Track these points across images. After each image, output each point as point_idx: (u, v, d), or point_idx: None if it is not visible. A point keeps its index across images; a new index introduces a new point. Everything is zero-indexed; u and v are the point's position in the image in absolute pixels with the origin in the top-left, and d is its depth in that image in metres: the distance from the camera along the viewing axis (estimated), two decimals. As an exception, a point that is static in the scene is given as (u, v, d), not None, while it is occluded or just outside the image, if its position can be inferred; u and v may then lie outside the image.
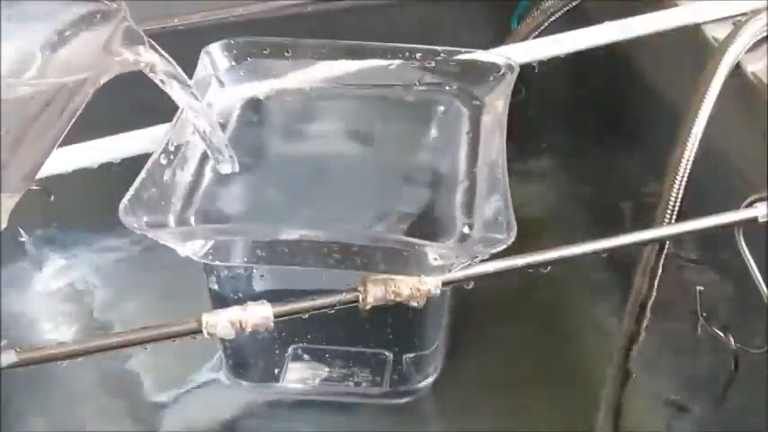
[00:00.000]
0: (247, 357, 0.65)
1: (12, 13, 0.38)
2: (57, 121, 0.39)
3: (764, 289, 0.50)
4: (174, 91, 0.45)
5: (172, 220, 0.46)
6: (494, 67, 0.55)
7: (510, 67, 0.55)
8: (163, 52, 0.43)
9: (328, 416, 0.64)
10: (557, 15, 0.73)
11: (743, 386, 0.58)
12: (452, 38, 0.58)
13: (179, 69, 0.45)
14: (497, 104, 0.53)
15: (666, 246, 0.58)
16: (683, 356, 0.63)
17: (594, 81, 0.79)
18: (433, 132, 0.54)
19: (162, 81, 0.44)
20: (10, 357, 0.42)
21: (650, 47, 0.69)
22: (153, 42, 0.43)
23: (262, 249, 0.45)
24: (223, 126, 0.53)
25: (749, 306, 0.53)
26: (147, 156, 0.48)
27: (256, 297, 0.44)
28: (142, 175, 0.46)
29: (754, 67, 0.59)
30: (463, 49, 0.56)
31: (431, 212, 0.48)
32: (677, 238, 0.56)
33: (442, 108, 0.55)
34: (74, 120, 0.40)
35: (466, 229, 0.46)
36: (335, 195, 0.50)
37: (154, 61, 0.43)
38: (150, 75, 0.43)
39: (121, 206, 0.43)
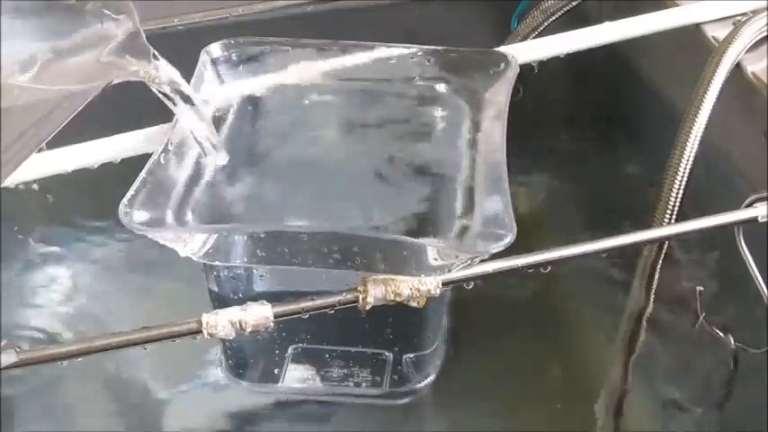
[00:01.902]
0: (247, 357, 0.65)
1: (19, 18, 0.39)
2: (50, 125, 0.39)
3: (764, 289, 0.50)
4: (176, 104, 0.45)
5: (171, 219, 0.46)
6: (495, 63, 0.55)
7: (511, 63, 0.54)
8: (167, 63, 0.43)
9: (328, 416, 0.64)
10: (557, 15, 0.73)
11: (743, 386, 0.58)
12: (452, 38, 0.58)
13: (183, 81, 0.45)
14: (498, 101, 0.53)
15: (666, 246, 0.58)
16: (683, 356, 0.63)
17: (594, 81, 0.79)
18: (433, 128, 0.54)
19: (164, 94, 0.44)
20: (10, 357, 0.42)
21: (650, 47, 0.69)
22: (157, 54, 0.43)
23: (262, 249, 0.45)
24: (221, 121, 0.53)
25: (749, 306, 0.53)
26: (147, 156, 0.48)
27: (256, 297, 0.44)
28: (142, 175, 0.46)
29: (754, 67, 0.59)
30: (464, 49, 0.56)
31: (430, 210, 0.47)
32: (677, 238, 0.56)
33: (442, 104, 0.55)
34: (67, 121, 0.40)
35: (465, 228, 0.45)
36: (335, 192, 0.50)
37: (158, 73, 0.43)
38: (152, 86, 0.44)
39: (121, 206, 0.43)
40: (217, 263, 0.49)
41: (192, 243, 0.45)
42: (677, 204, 0.56)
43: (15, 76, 0.37)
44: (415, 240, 0.44)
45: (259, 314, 0.43)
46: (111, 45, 0.41)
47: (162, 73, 0.43)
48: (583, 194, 0.79)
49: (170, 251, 0.45)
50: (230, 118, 0.54)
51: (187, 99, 0.46)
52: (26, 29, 0.39)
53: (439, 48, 0.56)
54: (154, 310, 0.70)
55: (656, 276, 0.58)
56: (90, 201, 0.70)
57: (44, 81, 0.39)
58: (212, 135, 0.49)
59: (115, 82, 0.42)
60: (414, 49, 0.56)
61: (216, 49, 0.56)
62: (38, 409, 0.64)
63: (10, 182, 0.51)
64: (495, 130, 0.51)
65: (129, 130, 0.55)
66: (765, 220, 0.48)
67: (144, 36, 0.42)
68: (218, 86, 0.55)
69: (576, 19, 0.70)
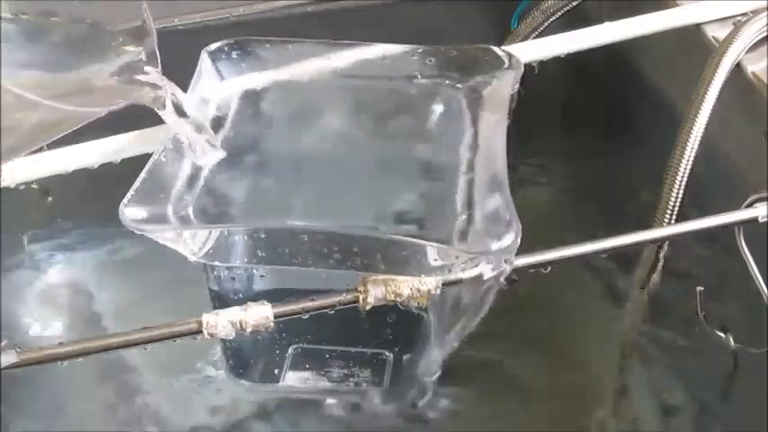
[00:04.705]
0: (247, 357, 0.65)
1: (33, 37, 0.39)
2: (46, 137, 0.39)
3: (764, 289, 0.50)
4: (178, 124, 0.46)
5: (172, 219, 0.46)
6: (495, 61, 0.55)
7: (513, 61, 0.54)
8: (177, 89, 0.44)
9: (328, 416, 0.64)
10: (557, 15, 0.73)
11: (743, 386, 0.58)
12: (452, 38, 0.58)
13: (188, 103, 0.45)
14: (499, 99, 0.53)
15: (666, 246, 0.58)
16: (683, 356, 0.63)
17: (594, 81, 0.79)
18: (434, 127, 0.54)
19: (167, 116, 0.45)
20: (10, 357, 0.42)
21: (650, 47, 0.69)
22: (167, 80, 0.43)
23: (262, 249, 0.45)
24: (221, 120, 0.53)
25: (749, 306, 0.53)
26: (147, 156, 0.48)
27: (256, 297, 0.44)
28: (143, 175, 0.46)
29: (754, 67, 0.59)
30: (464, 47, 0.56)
31: (430, 209, 0.47)
32: (677, 238, 0.56)
33: (443, 101, 0.55)
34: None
35: (466, 227, 0.45)
36: (335, 189, 0.50)
37: (164, 95, 0.43)
38: (159, 111, 0.44)
39: (122, 206, 0.43)
40: (217, 263, 0.49)
41: (192, 243, 0.45)
42: (677, 204, 0.56)
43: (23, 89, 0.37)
44: (416, 240, 0.44)
45: (259, 314, 0.43)
46: (124, 68, 0.41)
47: (168, 95, 0.43)
48: (583, 194, 0.79)
49: (170, 251, 0.45)
50: (230, 116, 0.54)
51: (186, 116, 0.46)
52: (38, 47, 0.39)
53: (440, 46, 0.56)
54: (154, 310, 0.70)
55: (656, 276, 0.58)
56: (90, 201, 0.70)
57: (54, 99, 0.39)
58: (212, 139, 0.49)
59: (122, 105, 0.42)
60: (414, 47, 0.56)
61: (216, 48, 0.55)
62: (36, 408, 0.64)
63: (10, 182, 0.52)
64: (496, 129, 0.51)
65: (129, 130, 0.55)
66: (765, 220, 0.48)
67: (159, 60, 0.42)
68: (218, 85, 0.55)
69: (576, 19, 0.70)
